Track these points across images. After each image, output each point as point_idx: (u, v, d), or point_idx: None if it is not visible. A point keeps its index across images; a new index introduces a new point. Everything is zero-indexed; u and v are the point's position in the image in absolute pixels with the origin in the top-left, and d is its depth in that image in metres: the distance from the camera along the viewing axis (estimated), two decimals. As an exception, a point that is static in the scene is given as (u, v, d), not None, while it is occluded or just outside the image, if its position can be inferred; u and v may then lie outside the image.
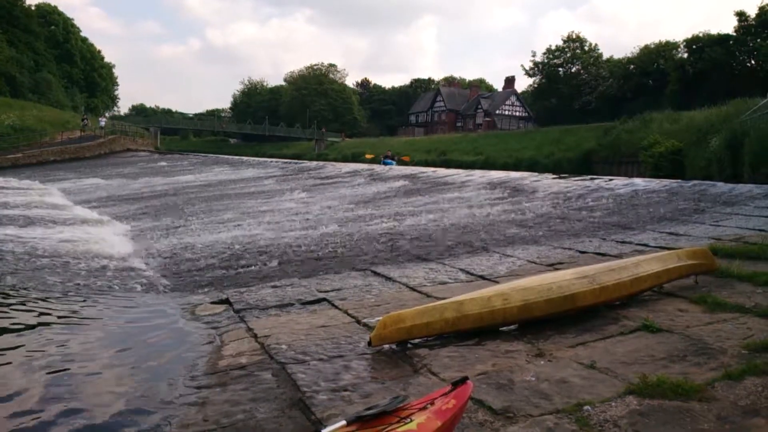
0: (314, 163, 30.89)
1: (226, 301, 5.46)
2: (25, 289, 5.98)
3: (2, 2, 56.72)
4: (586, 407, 2.78)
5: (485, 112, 76.74)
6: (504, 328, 4.06)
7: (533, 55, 65.30)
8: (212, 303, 5.48)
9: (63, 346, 4.34)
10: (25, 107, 43.79)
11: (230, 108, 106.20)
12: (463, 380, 2.54)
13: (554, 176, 16.60)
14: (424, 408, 2.39)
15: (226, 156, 42.63)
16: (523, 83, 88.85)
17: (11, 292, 5.81)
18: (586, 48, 63.95)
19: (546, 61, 63.86)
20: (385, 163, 28.87)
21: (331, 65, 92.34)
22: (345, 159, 43.23)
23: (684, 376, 3.05)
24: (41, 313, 5.16)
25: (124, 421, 3.12)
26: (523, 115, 75.56)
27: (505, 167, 29.13)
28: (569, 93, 60.53)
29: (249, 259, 7.51)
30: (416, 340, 3.90)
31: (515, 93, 78.24)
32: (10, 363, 3.91)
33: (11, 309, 5.24)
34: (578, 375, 3.20)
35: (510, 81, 79.82)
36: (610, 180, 14.41)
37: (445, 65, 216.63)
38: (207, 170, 27.18)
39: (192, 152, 51.65)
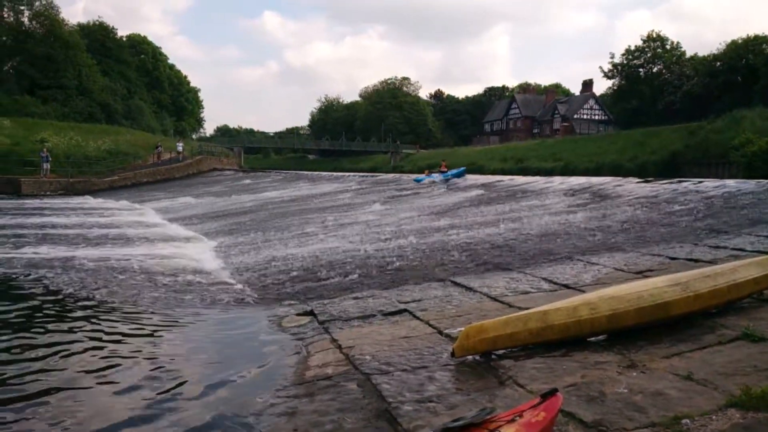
0: (390, 176, 31.14)
1: (311, 313, 5.59)
2: (124, 301, 6.36)
3: (96, 35, 60.99)
4: (684, 420, 2.65)
5: (562, 117, 74.90)
6: (592, 339, 3.93)
7: (612, 57, 63.20)
8: (297, 315, 5.64)
9: (157, 354, 4.60)
10: (119, 132, 46.59)
11: (308, 125, 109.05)
12: (553, 392, 2.48)
13: (639, 180, 15.94)
14: (513, 420, 2.36)
15: (306, 172, 43.65)
16: (601, 86, 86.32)
17: (113, 305, 6.20)
18: (668, 47, 61.31)
19: (625, 62, 61.71)
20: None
21: (405, 78, 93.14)
22: (420, 170, 43.32)
23: (792, 389, 2.85)
24: (138, 324, 5.49)
25: (216, 428, 3.27)
26: (603, 118, 73.16)
27: (585, 173, 28.20)
28: (651, 94, 58.18)
29: (331, 271, 7.65)
30: (500, 351, 3.85)
31: (593, 96, 75.95)
32: (113, 368, 4.18)
33: (113, 320, 5.59)
34: (674, 387, 3.06)
35: (588, 84, 77.60)
36: (700, 182, 13.68)
37: (518, 72, 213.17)
38: (288, 186, 27.93)
39: (273, 170, 53.24)
